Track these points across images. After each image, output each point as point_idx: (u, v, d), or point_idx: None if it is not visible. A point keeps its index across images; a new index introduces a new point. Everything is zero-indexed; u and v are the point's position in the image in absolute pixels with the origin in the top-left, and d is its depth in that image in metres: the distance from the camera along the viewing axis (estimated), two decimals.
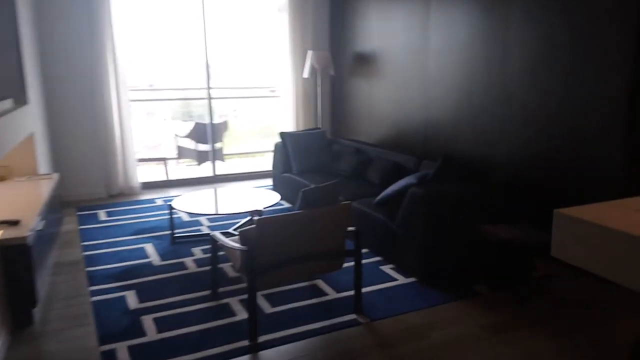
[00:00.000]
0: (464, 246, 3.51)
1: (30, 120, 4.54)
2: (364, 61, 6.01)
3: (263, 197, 4.47)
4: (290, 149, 5.45)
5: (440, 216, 3.47)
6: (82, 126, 5.73)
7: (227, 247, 2.99)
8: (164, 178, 6.65)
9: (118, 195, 5.96)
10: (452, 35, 4.60)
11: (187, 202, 4.34)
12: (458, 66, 4.57)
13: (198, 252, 4.17)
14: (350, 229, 3.07)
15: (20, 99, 4.29)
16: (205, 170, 6.92)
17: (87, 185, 5.85)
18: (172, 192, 6.19)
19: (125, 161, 5.95)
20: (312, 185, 2.90)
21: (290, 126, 6.70)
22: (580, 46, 3.48)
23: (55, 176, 4.68)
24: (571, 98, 3.57)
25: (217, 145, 7.11)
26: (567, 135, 3.64)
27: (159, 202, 5.68)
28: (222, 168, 7.19)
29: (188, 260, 3.99)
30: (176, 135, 7.06)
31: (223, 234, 3.31)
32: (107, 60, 5.57)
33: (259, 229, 2.73)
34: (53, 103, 5.55)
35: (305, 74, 6.20)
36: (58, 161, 5.66)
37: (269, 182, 6.44)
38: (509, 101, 4.09)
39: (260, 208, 4.10)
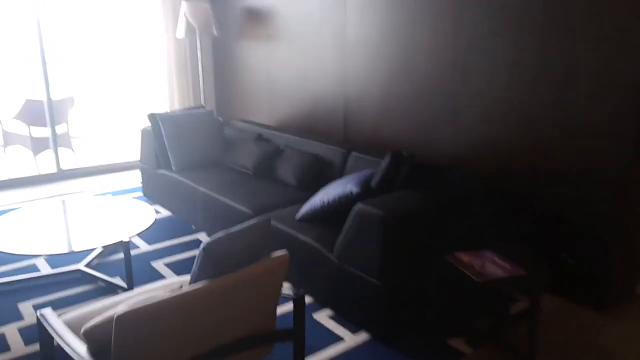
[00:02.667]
0: (436, 286, 2.47)
1: None
2: (259, 19, 4.66)
3: (129, 214, 3.02)
4: (166, 137, 3.98)
5: (403, 245, 2.37)
6: None
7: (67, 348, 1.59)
8: None
9: None
10: None
11: (1, 231, 2.74)
12: (391, 25, 3.46)
13: (28, 311, 2.64)
14: (286, 292, 1.84)
15: None
16: (46, 163, 5.12)
17: None
18: None
19: None
20: (221, 234, 1.59)
21: (162, 104, 5.16)
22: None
23: None
24: (549, 72, 2.65)
25: (60, 128, 5.31)
26: (549, 120, 2.73)
27: None
28: (70, 160, 5.43)
29: (9, 331, 2.46)
30: (14, 117, 5.12)
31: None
32: None
33: (120, 333, 1.39)
34: None
35: (180, 34, 4.68)
36: None
37: (138, 178, 4.90)
38: (466, 74, 3.08)
39: (125, 238, 2.67)
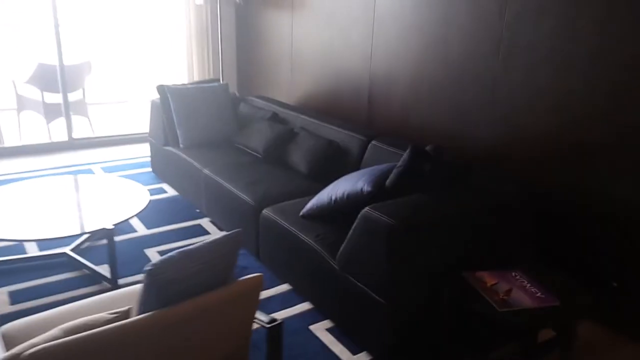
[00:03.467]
0: (450, 310, 2.11)
1: None
2: None
3: (121, 196, 2.76)
4: (175, 111, 3.69)
5: (414, 260, 2.03)
6: None
7: None
8: None
9: None
10: None
11: None
12: None
13: (2, 297, 2.44)
14: (260, 319, 1.53)
15: None
16: (59, 131, 4.95)
17: None
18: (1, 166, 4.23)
19: None
20: (174, 253, 1.27)
21: (181, 74, 4.87)
22: None
23: None
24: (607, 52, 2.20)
25: (76, 95, 5.11)
26: (604, 118, 2.29)
27: None
28: (85, 128, 5.25)
29: None
30: (13, 82, 4.93)
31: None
32: None
33: None
34: None
35: (199, 0, 4.34)
36: None
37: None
38: (509, 57, 2.65)
39: (109, 225, 2.41)
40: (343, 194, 2.42)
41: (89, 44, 6.30)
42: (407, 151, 2.32)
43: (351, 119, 3.75)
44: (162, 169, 3.98)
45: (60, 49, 4.54)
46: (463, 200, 2.24)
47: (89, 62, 5.11)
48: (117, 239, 3.05)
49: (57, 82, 4.70)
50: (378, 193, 2.29)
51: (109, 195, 2.77)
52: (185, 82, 4.83)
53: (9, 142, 4.83)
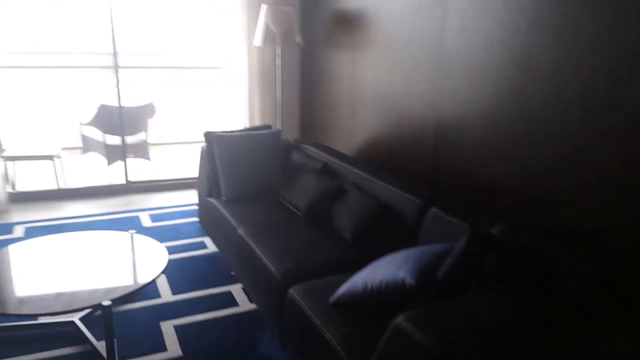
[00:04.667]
0: None
1: None
2: (346, 25, 3.89)
3: (135, 262, 2.43)
4: (219, 160, 3.38)
5: None
6: None
7: None
8: (54, 186, 4.60)
9: None
10: None
11: None
12: (502, 32, 2.47)
13: None
14: None
15: None
16: (118, 173, 4.87)
17: None
18: (57, 210, 4.15)
19: None
20: None
21: (241, 119, 4.62)
22: None
23: None
24: None
25: (139, 137, 5.04)
26: None
27: (17, 233, 3.65)
28: (145, 170, 5.16)
29: None
30: (80, 123, 4.95)
31: None
32: None
33: None
34: None
35: (257, 41, 4.07)
36: None
37: None
38: (610, 119, 2.02)
39: (105, 302, 2.07)
40: (381, 282, 1.90)
41: (152, 86, 6.33)
42: (465, 236, 1.77)
43: (413, 172, 3.22)
44: (206, 221, 3.67)
45: (119, 91, 4.47)
46: (536, 304, 1.63)
47: (151, 104, 5.04)
48: (135, 305, 2.73)
49: (118, 124, 4.65)
50: (423, 288, 1.75)
51: (121, 260, 2.46)
52: (247, 125, 4.58)
53: (73, 183, 4.82)
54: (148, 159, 5.10)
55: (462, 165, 2.83)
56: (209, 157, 3.47)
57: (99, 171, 5.18)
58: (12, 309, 2.01)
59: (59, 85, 6.30)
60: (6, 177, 4.44)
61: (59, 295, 2.11)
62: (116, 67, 4.39)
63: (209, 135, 3.46)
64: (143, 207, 4.31)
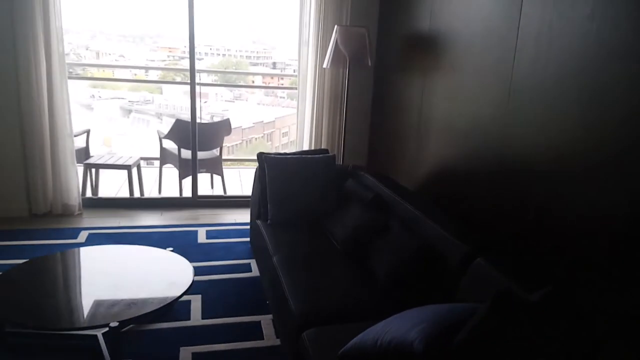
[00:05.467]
0: None
1: None
2: (420, 48, 3.66)
3: (158, 283, 2.39)
4: (269, 183, 3.30)
5: None
6: None
7: None
8: (127, 195, 4.81)
9: (44, 216, 4.21)
10: (567, 5, 2.15)
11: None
12: (579, 61, 2.12)
13: None
14: None
15: None
16: (186, 187, 4.98)
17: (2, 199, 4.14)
18: (125, 218, 4.32)
19: (56, 164, 4.16)
20: None
21: (307, 141, 4.54)
22: None
23: None
24: None
25: (213, 152, 5.14)
26: None
27: (80, 238, 3.82)
28: (217, 186, 5.25)
29: None
30: (159, 135, 5.16)
31: None
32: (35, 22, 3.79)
33: None
34: None
35: (325, 63, 3.97)
36: None
37: None
38: None
39: (113, 322, 2.02)
40: (390, 342, 1.65)
41: (225, 102, 6.46)
42: (488, 301, 1.48)
43: (471, 212, 2.89)
44: (254, 242, 3.60)
45: (194, 107, 4.59)
46: None
47: (228, 121, 5.12)
48: (162, 325, 2.68)
49: (197, 138, 4.78)
50: (434, 357, 1.49)
51: (142, 281, 2.43)
52: (312, 148, 4.49)
53: (147, 193, 5.02)
54: (221, 174, 5.18)
55: (531, 210, 2.47)
56: (260, 178, 3.40)
57: (175, 183, 5.35)
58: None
59: (145, 96, 6.68)
60: (85, 183, 4.72)
61: (70, 312, 2.10)
62: (193, 84, 4.51)
63: (261, 157, 3.40)
64: (205, 222, 4.35)
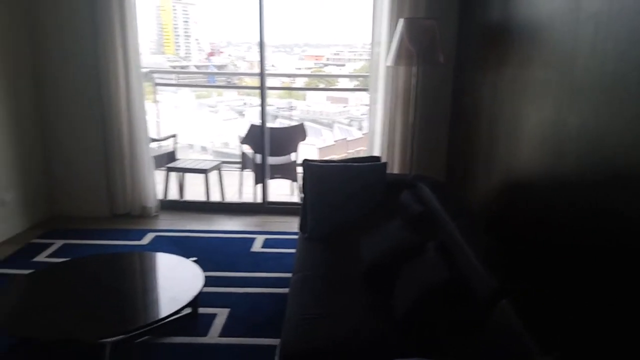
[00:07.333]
0: None
1: None
2: (499, 41, 3.13)
3: (165, 296, 2.27)
4: (308, 193, 3.04)
5: None
6: (75, 111, 4.27)
7: None
8: (203, 199, 4.85)
9: (124, 217, 4.41)
10: None
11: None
12: None
13: None
14: None
15: None
16: (275, 192, 4.92)
17: (85, 200, 4.42)
18: (196, 222, 4.36)
19: (134, 168, 4.33)
20: None
21: (377, 148, 4.19)
22: None
23: None
24: None
25: (288, 157, 5.01)
26: None
27: (144, 240, 3.91)
28: (290, 192, 5.11)
29: None
30: (239, 141, 5.13)
31: None
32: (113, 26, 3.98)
33: None
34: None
35: (389, 60, 3.60)
36: (48, 161, 4.35)
37: None
38: None
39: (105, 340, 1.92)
40: None
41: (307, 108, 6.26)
42: None
43: (523, 239, 2.35)
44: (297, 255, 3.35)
45: (264, 111, 4.49)
46: None
47: (302, 126, 4.95)
48: (176, 339, 2.56)
49: (273, 143, 4.69)
50: None
51: (152, 291, 2.32)
52: (376, 154, 4.12)
53: (222, 197, 5.04)
54: (295, 180, 5.04)
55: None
56: (304, 189, 3.15)
57: (254, 188, 5.32)
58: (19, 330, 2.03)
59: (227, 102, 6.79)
60: (167, 186, 4.86)
61: (69, 323, 2.05)
62: (262, 88, 4.42)
63: (306, 164, 3.15)
64: (268, 229, 4.22)
